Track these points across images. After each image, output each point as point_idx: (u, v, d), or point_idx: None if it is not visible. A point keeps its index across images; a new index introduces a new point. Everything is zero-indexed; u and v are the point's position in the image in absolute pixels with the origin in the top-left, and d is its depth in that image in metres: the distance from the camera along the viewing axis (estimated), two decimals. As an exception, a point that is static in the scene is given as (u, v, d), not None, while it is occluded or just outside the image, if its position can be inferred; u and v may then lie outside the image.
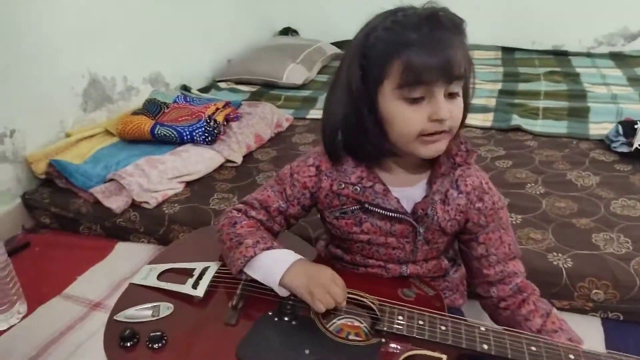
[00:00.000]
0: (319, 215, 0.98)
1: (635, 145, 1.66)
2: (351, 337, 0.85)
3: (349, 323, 0.87)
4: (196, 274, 0.94)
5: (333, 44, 3.13)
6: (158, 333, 0.80)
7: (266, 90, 2.61)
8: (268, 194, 0.94)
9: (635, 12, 2.92)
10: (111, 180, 1.60)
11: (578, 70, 2.69)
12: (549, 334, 0.83)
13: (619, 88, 2.40)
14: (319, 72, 2.86)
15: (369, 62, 0.77)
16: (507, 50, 3.11)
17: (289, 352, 0.77)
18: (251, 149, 1.90)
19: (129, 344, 0.79)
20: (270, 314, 0.84)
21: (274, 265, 0.84)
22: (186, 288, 0.91)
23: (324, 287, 0.79)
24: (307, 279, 0.81)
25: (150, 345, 0.79)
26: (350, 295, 0.87)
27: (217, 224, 0.96)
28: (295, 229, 1.35)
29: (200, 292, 0.89)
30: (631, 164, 1.65)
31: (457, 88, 0.77)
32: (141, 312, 0.86)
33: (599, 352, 0.78)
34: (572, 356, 0.76)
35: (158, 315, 0.85)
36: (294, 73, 2.63)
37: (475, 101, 2.25)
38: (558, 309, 1.18)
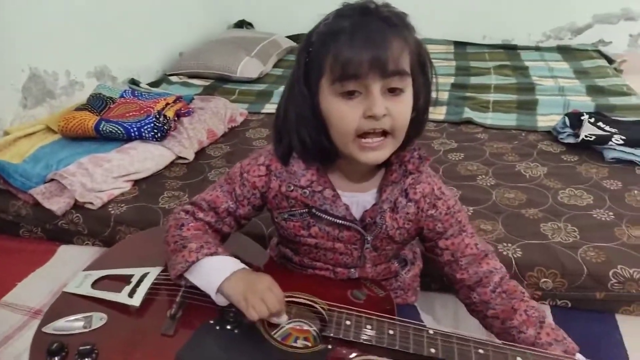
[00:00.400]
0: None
1: (582, 136, 1.71)
2: (300, 342, 0.83)
3: (298, 327, 0.85)
4: (134, 280, 0.89)
5: (288, 37, 3.10)
6: (88, 346, 0.75)
7: (220, 84, 2.55)
8: (217, 194, 0.91)
9: (582, 7, 3.03)
10: (52, 180, 1.51)
11: (527, 63, 2.76)
12: (543, 347, 0.81)
13: (566, 81, 2.47)
14: (275, 66, 2.82)
15: (310, 58, 0.75)
16: (459, 45, 3.17)
17: None
18: (203, 145, 1.85)
19: (56, 358, 0.74)
20: (211, 322, 0.81)
21: (215, 272, 0.81)
22: (122, 297, 0.86)
23: (259, 294, 0.77)
24: (244, 285, 0.79)
25: (79, 359, 0.74)
26: (299, 300, 0.86)
27: (165, 225, 0.92)
28: (248, 227, 1.32)
29: (136, 301, 0.85)
30: (578, 155, 1.70)
31: (399, 84, 0.73)
32: (72, 324, 0.81)
33: (551, 353, 0.78)
34: (519, 358, 0.77)
35: (90, 327, 0.80)
36: (249, 67, 2.58)
37: (428, 95, 2.27)
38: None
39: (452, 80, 2.55)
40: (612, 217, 1.35)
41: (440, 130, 1.98)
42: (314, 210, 0.85)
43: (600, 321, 1.16)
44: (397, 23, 0.72)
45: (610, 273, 1.15)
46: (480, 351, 0.77)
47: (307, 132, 0.78)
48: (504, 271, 0.90)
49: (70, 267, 1.39)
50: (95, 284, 0.91)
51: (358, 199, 0.86)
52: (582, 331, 1.13)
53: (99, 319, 0.82)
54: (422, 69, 0.78)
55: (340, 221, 0.84)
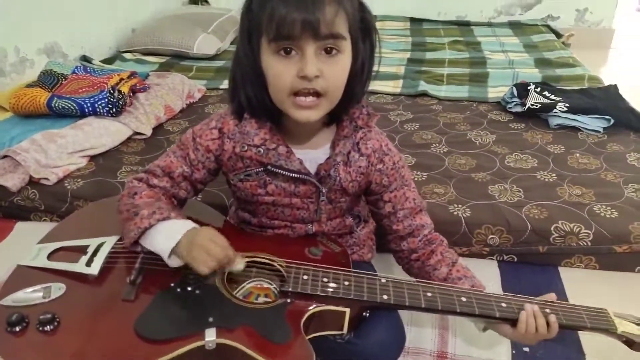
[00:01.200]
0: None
1: (528, 104, 1.79)
2: (261, 299, 0.86)
3: (259, 286, 0.89)
4: (90, 250, 0.89)
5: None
6: (49, 315, 0.75)
7: (176, 61, 2.51)
8: (171, 159, 0.92)
9: (531, -18, 3.13)
10: (5, 157, 1.48)
11: (479, 39, 2.85)
12: (454, 281, 0.90)
13: (516, 55, 2.57)
14: (232, 43, 2.79)
15: (251, 18, 0.76)
16: (415, 21, 3.22)
17: (192, 322, 0.76)
18: (161, 121, 1.83)
19: (17, 329, 0.74)
20: (172, 285, 0.82)
21: (167, 236, 0.82)
22: (79, 266, 0.86)
23: (202, 248, 0.79)
24: (188, 243, 0.80)
25: (40, 328, 0.74)
26: (258, 259, 0.88)
27: (119, 195, 0.92)
28: (209, 198, 1.35)
29: (94, 269, 0.85)
30: (524, 123, 1.79)
31: (334, 45, 0.74)
32: (30, 295, 0.81)
33: (489, 293, 0.85)
34: (463, 298, 0.83)
35: (49, 297, 0.80)
36: (206, 43, 2.55)
37: (386, 69, 2.34)
38: (459, 255, 1.26)
39: (408, 55, 2.60)
40: (555, 177, 1.44)
41: (396, 102, 2.03)
42: (269, 167, 0.87)
43: (544, 273, 1.25)
44: None
45: (552, 228, 1.23)
46: (429, 294, 0.83)
47: (252, 90, 0.81)
48: (432, 226, 0.98)
49: (28, 244, 1.34)
50: (50, 256, 0.90)
51: (311, 156, 0.89)
52: (528, 282, 1.22)
53: (57, 288, 0.82)
54: (364, 32, 0.80)
55: (295, 175, 0.87)
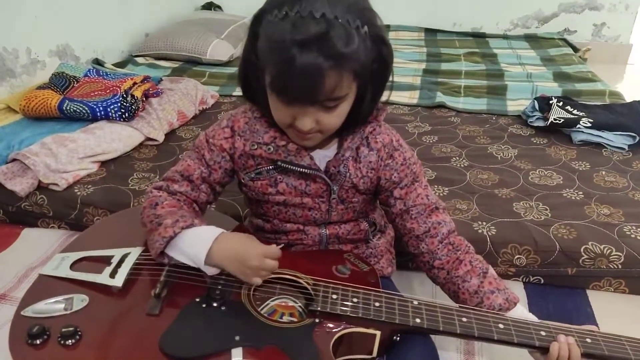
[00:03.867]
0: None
1: (551, 119, 1.74)
2: (285, 317, 0.82)
3: (283, 303, 0.85)
4: (114, 261, 0.86)
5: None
6: (71, 328, 0.72)
7: (189, 66, 2.49)
8: (188, 163, 0.91)
9: (548, -5, 3.08)
10: (14, 160, 1.44)
11: (495, 51, 2.81)
12: (486, 294, 0.85)
13: (533, 68, 2.52)
14: (245, 49, 2.76)
15: (257, 46, 0.74)
16: (429, 32, 3.19)
17: (218, 340, 0.73)
18: (174, 127, 1.79)
19: (38, 342, 0.71)
20: (197, 300, 0.79)
21: (197, 244, 0.79)
22: (103, 277, 0.83)
23: (258, 268, 0.77)
24: (237, 263, 0.78)
25: (62, 341, 0.71)
26: (285, 275, 0.85)
27: (140, 207, 0.89)
28: (224, 208, 1.31)
29: (118, 281, 0.82)
30: (547, 138, 1.74)
31: (332, 104, 0.74)
32: (52, 306, 0.78)
33: (528, 320, 0.80)
34: (501, 325, 0.78)
35: (71, 309, 0.77)
36: (219, 49, 2.52)
37: (401, 79, 2.30)
38: (484, 275, 1.22)
39: (424, 66, 2.56)
40: (582, 196, 1.38)
41: (413, 113, 1.99)
42: (279, 163, 0.86)
43: (572, 296, 1.20)
44: (341, 57, 0.68)
45: (582, 249, 1.18)
46: (464, 319, 0.78)
47: (263, 103, 0.81)
48: (453, 226, 0.92)
49: (36, 251, 1.33)
50: (73, 266, 0.87)
51: (320, 154, 0.87)
52: (555, 306, 1.17)
53: (80, 300, 0.79)
54: (376, 73, 0.77)
55: (306, 170, 0.85)
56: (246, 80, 0.83)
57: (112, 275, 0.83)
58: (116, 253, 0.88)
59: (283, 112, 0.76)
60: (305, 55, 0.67)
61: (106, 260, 0.87)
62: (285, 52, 0.67)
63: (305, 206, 0.90)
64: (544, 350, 0.77)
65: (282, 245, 0.82)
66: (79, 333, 0.73)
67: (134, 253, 0.88)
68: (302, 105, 0.73)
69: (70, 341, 0.71)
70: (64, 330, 0.72)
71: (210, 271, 0.80)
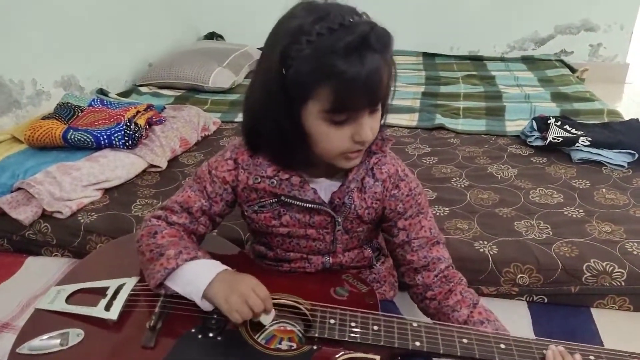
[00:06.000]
0: (246, 214, 0.94)
1: (550, 138, 1.75)
2: (284, 343, 0.82)
3: (282, 328, 0.84)
4: (110, 293, 0.86)
5: (260, 49, 3.09)
6: None
7: (191, 94, 2.52)
8: (188, 194, 0.89)
9: (544, 18, 3.13)
10: (19, 189, 1.46)
11: (493, 73, 2.84)
12: (475, 324, 0.83)
13: (531, 89, 2.55)
14: (246, 77, 2.80)
15: (292, 77, 0.71)
16: (427, 56, 3.23)
17: None
18: (176, 153, 1.82)
19: None
20: (193, 331, 0.78)
21: (198, 277, 0.79)
22: (98, 311, 0.82)
23: (242, 296, 0.75)
24: (225, 288, 0.77)
25: None
26: (282, 301, 0.84)
27: (137, 235, 0.88)
28: (225, 232, 1.31)
29: (113, 314, 0.81)
30: (546, 157, 1.75)
31: (378, 105, 0.76)
32: (48, 342, 0.77)
33: (529, 338, 0.80)
34: (502, 345, 0.77)
35: (67, 344, 0.77)
36: (221, 77, 2.56)
37: (401, 102, 2.33)
38: (486, 295, 1.22)
39: (422, 89, 2.59)
40: (583, 214, 1.38)
41: (413, 135, 2.01)
42: (283, 198, 0.85)
43: (576, 315, 1.19)
44: (388, 49, 0.71)
45: (584, 267, 1.17)
46: (464, 340, 0.77)
47: (283, 141, 0.78)
48: (450, 261, 0.92)
49: (39, 279, 1.34)
50: (69, 299, 0.87)
51: (324, 185, 0.86)
52: (559, 325, 1.16)
53: (75, 335, 0.78)
54: (388, 86, 0.78)
55: (310, 205, 0.84)
56: (252, 132, 0.83)
57: (107, 307, 0.82)
58: (111, 284, 0.87)
59: (339, 136, 0.74)
60: (370, 55, 0.68)
61: (102, 292, 0.86)
62: (351, 58, 0.67)
63: (309, 237, 0.89)
64: None
65: (273, 316, 0.80)
66: None
67: (129, 283, 0.87)
68: (359, 115, 0.73)
69: None
70: None
71: (205, 306, 0.79)
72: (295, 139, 0.77)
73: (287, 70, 0.71)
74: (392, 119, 2.15)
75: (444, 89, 2.60)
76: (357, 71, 0.68)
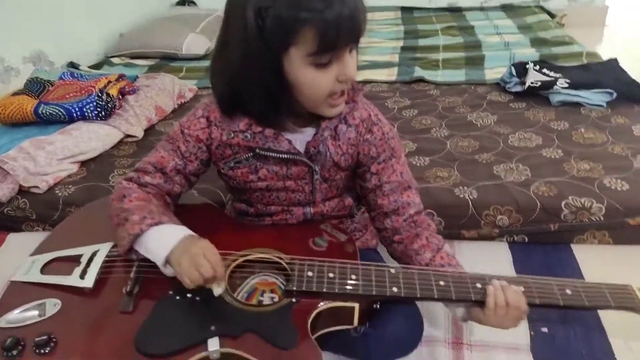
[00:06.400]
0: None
1: (528, 83, 1.74)
2: (267, 295, 0.82)
3: (263, 281, 0.85)
4: (84, 260, 0.85)
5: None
6: (44, 337, 0.71)
7: (165, 62, 2.47)
8: (161, 154, 0.88)
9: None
10: (-7, 167, 1.43)
11: (472, 23, 2.81)
12: (437, 267, 0.85)
13: (511, 36, 2.53)
14: (221, 42, 2.74)
15: (271, 26, 0.70)
16: (406, 10, 3.18)
17: (193, 332, 0.73)
18: (153, 122, 1.78)
19: (14, 353, 0.70)
20: (171, 293, 0.78)
21: (160, 243, 0.78)
22: (73, 279, 0.82)
23: (192, 261, 0.73)
24: (181, 251, 0.76)
25: (38, 350, 0.71)
26: (260, 256, 0.84)
27: (109, 198, 0.87)
28: (206, 195, 1.30)
29: (89, 282, 0.81)
30: (525, 102, 1.74)
31: (358, 44, 0.77)
32: (25, 314, 0.77)
33: (505, 276, 0.81)
34: (479, 285, 0.78)
35: (45, 315, 0.77)
36: (195, 43, 2.50)
37: (379, 58, 2.30)
38: (467, 239, 1.23)
39: (401, 43, 2.56)
40: (561, 154, 1.39)
41: (393, 90, 1.99)
42: (258, 151, 0.84)
43: (556, 252, 1.20)
44: None
45: (563, 204, 1.18)
46: (441, 283, 0.78)
47: (264, 95, 0.77)
48: (421, 207, 0.92)
49: (23, 255, 1.31)
50: (44, 269, 0.86)
51: (298, 136, 0.85)
52: (541, 263, 1.18)
53: (52, 305, 0.78)
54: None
55: (286, 156, 0.84)
56: (230, 95, 0.81)
57: (82, 275, 0.82)
58: (85, 251, 0.86)
59: (324, 79, 0.74)
60: None
61: (76, 260, 0.85)
62: None
63: (288, 189, 0.89)
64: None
65: (225, 287, 0.78)
66: (54, 340, 0.72)
67: (103, 250, 0.87)
68: (342, 54, 0.73)
69: (45, 349, 0.70)
70: (37, 339, 0.71)
71: (168, 271, 0.78)
72: (280, 91, 0.76)
73: (264, 20, 0.69)
74: (371, 74, 2.14)
75: (422, 42, 2.56)
76: (339, 8, 0.68)
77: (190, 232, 0.81)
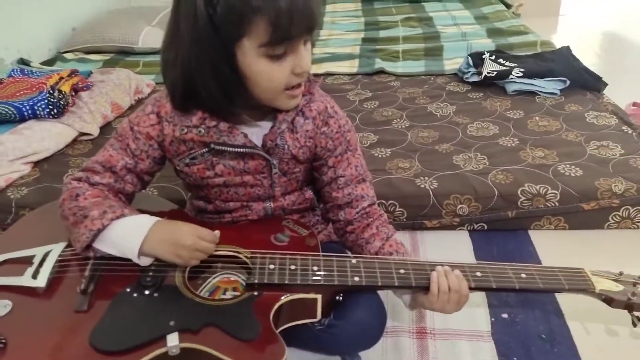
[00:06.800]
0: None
1: (485, 73, 1.78)
2: (229, 293, 0.81)
3: (225, 279, 0.84)
4: (36, 261, 0.82)
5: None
6: None
7: (121, 57, 2.40)
8: (110, 153, 0.85)
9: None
10: (-62, 170, 1.36)
11: (431, 14, 2.84)
12: (385, 255, 0.86)
13: (468, 27, 2.57)
14: (179, 35, 2.68)
15: (222, 17, 0.68)
16: (366, 1, 3.18)
17: (152, 328, 0.71)
18: (109, 119, 1.73)
19: None
20: (128, 290, 0.76)
21: (129, 235, 0.76)
22: (24, 279, 0.79)
23: (192, 247, 0.76)
24: (170, 245, 0.76)
25: None
26: (221, 252, 0.83)
27: (58, 200, 0.84)
28: (166, 193, 1.28)
29: (41, 281, 0.78)
30: (482, 92, 1.78)
31: (313, 35, 0.75)
32: None
33: (462, 263, 0.82)
34: (433, 271, 0.79)
35: None
36: (151, 36, 2.44)
37: (340, 50, 2.30)
38: (429, 228, 1.25)
39: (362, 35, 2.56)
40: (517, 142, 1.43)
41: (354, 82, 1.99)
42: (212, 146, 0.82)
43: (514, 238, 1.24)
44: None
45: (519, 191, 1.22)
46: (402, 271, 0.79)
47: (217, 87, 0.75)
48: (374, 200, 0.92)
49: None
50: None
51: (254, 129, 0.84)
52: (499, 249, 1.21)
53: (3, 306, 0.75)
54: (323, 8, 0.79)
55: (242, 150, 0.82)
56: (183, 89, 0.77)
57: (35, 275, 0.79)
58: (37, 252, 0.83)
59: (279, 71, 0.73)
60: None
61: (28, 261, 0.82)
62: None
63: (247, 184, 0.88)
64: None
65: (218, 232, 0.80)
66: (3, 341, 0.69)
67: (56, 250, 0.84)
68: (296, 45, 0.72)
69: None
70: None
71: (144, 262, 0.77)
72: (234, 83, 0.74)
73: (215, 9, 0.67)
74: (332, 67, 2.13)
75: (383, 33, 2.58)
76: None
77: (156, 218, 0.79)
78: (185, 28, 0.72)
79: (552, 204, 1.22)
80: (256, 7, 0.66)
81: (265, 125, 0.84)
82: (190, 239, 0.76)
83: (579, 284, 0.81)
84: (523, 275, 0.80)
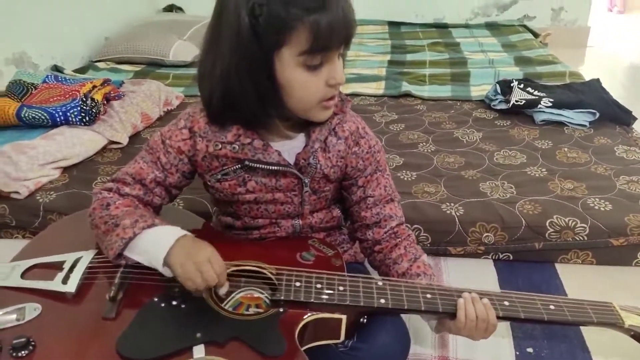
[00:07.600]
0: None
1: (513, 101, 1.77)
2: (252, 309, 0.81)
3: (249, 295, 0.84)
4: (67, 267, 0.83)
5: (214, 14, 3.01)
6: (23, 339, 0.69)
7: (151, 69, 2.44)
8: (140, 165, 0.86)
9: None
10: (-29, 171, 1.39)
11: (458, 40, 2.85)
12: (412, 277, 0.85)
13: (495, 54, 2.57)
14: (209, 50, 2.73)
15: (265, 24, 0.70)
16: (393, 25, 3.21)
17: (178, 339, 0.71)
18: (138, 129, 1.76)
19: None
20: (155, 300, 0.77)
21: (158, 244, 0.77)
22: (55, 284, 0.80)
23: (197, 265, 0.74)
24: (184, 254, 0.76)
25: (14, 353, 0.68)
26: (247, 267, 0.83)
27: (88, 209, 0.85)
28: (192, 206, 1.29)
29: (71, 287, 0.79)
30: (510, 120, 1.77)
31: (347, 48, 0.77)
32: (3, 318, 0.75)
33: (489, 291, 0.81)
34: (460, 298, 0.78)
35: (24, 319, 0.74)
36: (182, 50, 2.49)
37: (367, 71, 2.32)
38: (453, 255, 1.24)
39: (388, 57, 2.58)
40: (545, 172, 1.41)
41: (380, 103, 2.00)
42: (247, 163, 0.83)
43: (541, 271, 1.22)
44: None
45: (547, 223, 1.20)
46: (428, 296, 0.78)
47: (254, 98, 0.75)
48: (402, 220, 0.93)
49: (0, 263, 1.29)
50: (24, 274, 0.84)
51: (287, 147, 0.85)
52: (525, 281, 1.19)
53: (32, 309, 0.76)
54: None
55: (275, 168, 0.83)
56: (220, 101, 0.78)
57: (65, 281, 0.80)
58: (68, 258, 0.85)
59: (314, 82, 0.75)
60: None
61: (58, 266, 0.83)
62: None
63: (277, 201, 0.88)
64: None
65: (228, 289, 0.79)
66: (32, 343, 0.70)
67: (87, 257, 0.85)
68: (332, 57, 0.74)
69: (22, 352, 0.68)
70: (15, 342, 0.69)
71: (168, 272, 0.77)
72: (272, 93, 0.75)
73: (258, 18, 0.69)
74: (359, 87, 2.15)
75: (410, 56, 2.59)
76: (335, 9, 0.69)
77: (185, 231, 0.80)
78: (227, 38, 0.73)
79: (581, 238, 1.20)
80: (299, 15, 0.69)
81: (297, 144, 0.85)
82: (202, 258, 0.75)
83: (608, 318, 0.79)
84: (552, 307, 0.79)
